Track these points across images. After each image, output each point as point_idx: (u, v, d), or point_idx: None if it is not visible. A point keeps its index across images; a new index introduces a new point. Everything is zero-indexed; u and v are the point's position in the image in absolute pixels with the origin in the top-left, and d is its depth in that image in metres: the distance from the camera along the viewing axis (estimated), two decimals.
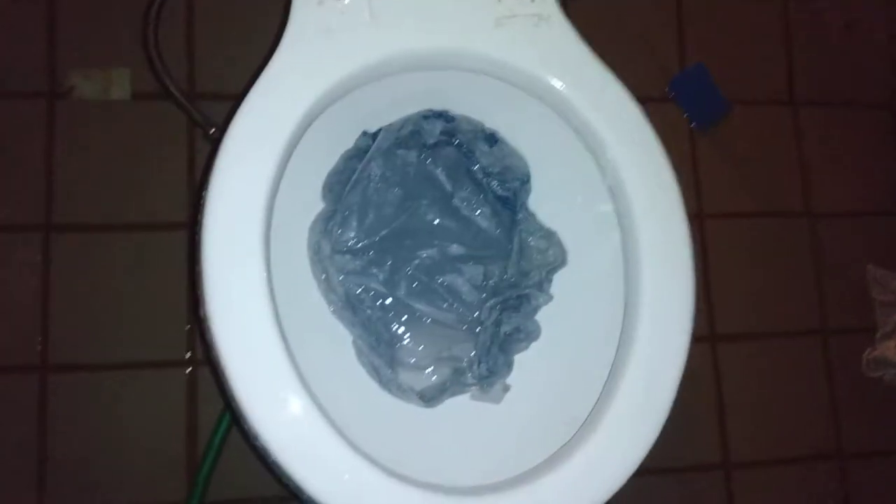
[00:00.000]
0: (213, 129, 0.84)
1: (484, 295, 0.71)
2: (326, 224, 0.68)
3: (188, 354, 0.89)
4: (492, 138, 0.70)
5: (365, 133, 0.71)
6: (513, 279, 0.70)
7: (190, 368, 0.89)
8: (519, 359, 0.68)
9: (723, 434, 1.00)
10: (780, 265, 1.05)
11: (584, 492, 0.53)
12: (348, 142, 0.71)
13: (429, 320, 0.70)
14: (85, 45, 0.93)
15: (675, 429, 0.95)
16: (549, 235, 0.71)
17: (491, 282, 0.71)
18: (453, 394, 0.67)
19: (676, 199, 0.60)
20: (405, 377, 0.66)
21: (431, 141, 0.70)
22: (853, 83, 1.12)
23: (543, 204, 0.72)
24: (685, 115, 1.05)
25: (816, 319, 1.05)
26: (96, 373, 0.87)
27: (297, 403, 0.49)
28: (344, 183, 0.69)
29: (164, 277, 0.90)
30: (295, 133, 0.54)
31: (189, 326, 0.90)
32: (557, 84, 0.60)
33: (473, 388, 0.67)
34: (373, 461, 0.50)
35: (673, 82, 1.05)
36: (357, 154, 0.70)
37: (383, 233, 0.70)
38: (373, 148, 0.67)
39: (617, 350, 0.58)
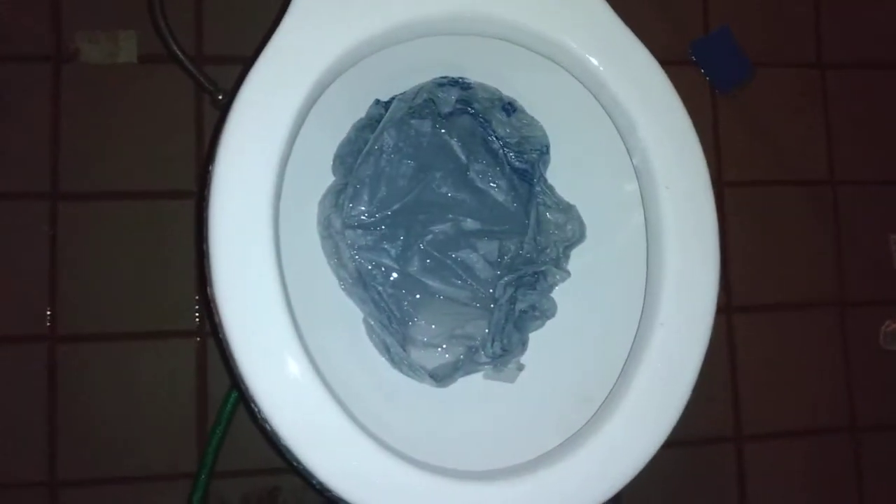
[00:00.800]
0: (220, 95, 0.82)
1: (499, 272, 0.69)
2: (337, 198, 0.66)
3: (197, 324, 0.89)
4: (510, 107, 0.68)
5: (377, 102, 0.68)
6: (529, 255, 0.68)
7: (199, 338, 0.89)
8: (533, 338, 0.67)
9: (736, 406, 0.99)
10: (799, 234, 1.03)
11: (600, 478, 0.52)
12: (361, 110, 0.69)
13: (442, 297, 0.68)
14: (91, 7, 0.91)
15: (688, 401, 0.96)
16: (568, 209, 0.69)
17: (506, 258, 0.69)
18: (466, 373, 0.65)
19: (705, 184, 0.58)
20: (417, 356, 0.65)
21: (447, 110, 0.68)
22: (885, 46, 1.08)
23: (563, 179, 0.70)
24: (707, 79, 1.02)
25: (835, 290, 1.03)
26: (105, 342, 0.87)
27: (305, 385, 0.48)
28: (355, 154, 0.67)
29: (173, 246, 0.90)
30: (307, 100, 0.52)
31: (198, 296, 0.89)
32: (586, 55, 0.57)
33: (487, 367, 0.66)
34: (382, 443, 0.49)
35: (695, 45, 1.02)
36: (369, 124, 0.68)
37: (396, 206, 0.68)
38: (385, 118, 0.65)
39: (636, 332, 0.56)
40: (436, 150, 0.69)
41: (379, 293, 0.66)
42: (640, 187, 0.59)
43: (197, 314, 0.89)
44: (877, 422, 1.02)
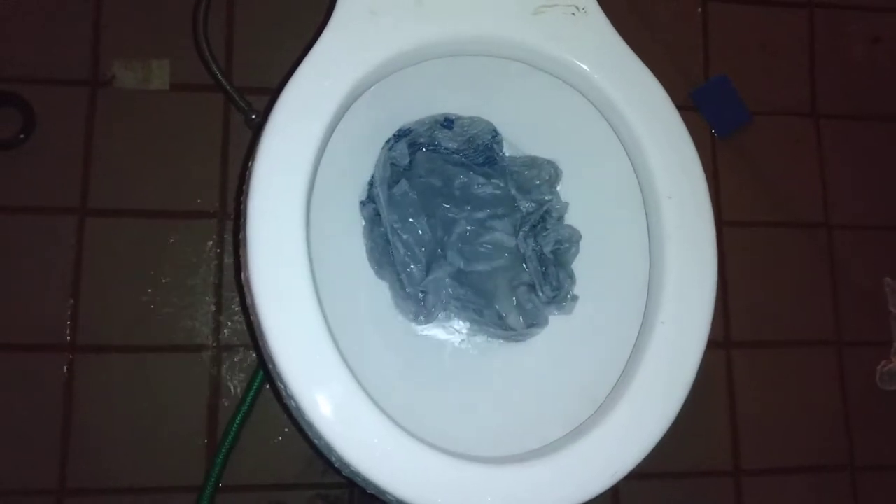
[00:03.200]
0: (254, 115, 0.87)
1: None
2: (404, 294, 0.73)
3: (212, 339, 0.92)
4: (447, 122, 0.74)
5: (363, 203, 0.75)
6: (530, 210, 0.75)
7: (213, 353, 0.91)
8: (543, 340, 0.70)
9: (734, 441, 1.00)
10: (796, 275, 1.06)
11: (603, 466, 0.54)
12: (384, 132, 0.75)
13: (495, 272, 0.75)
14: (128, 36, 0.96)
15: (687, 434, 0.97)
16: (532, 161, 0.76)
17: (519, 224, 0.76)
18: (541, 314, 0.73)
19: (703, 193, 0.62)
20: (514, 322, 0.72)
21: (406, 161, 0.74)
22: (876, 97, 1.13)
23: (568, 188, 0.74)
24: (707, 124, 1.07)
25: (831, 330, 1.05)
26: (122, 354, 0.90)
27: (334, 374, 0.51)
28: (384, 252, 0.74)
29: (193, 264, 0.93)
30: (340, 108, 0.57)
31: (214, 311, 0.92)
32: (588, 70, 0.62)
33: (550, 307, 0.73)
34: (404, 429, 0.51)
35: (696, 92, 1.07)
36: (373, 223, 0.74)
37: (437, 253, 0.75)
38: (381, 209, 0.71)
39: (640, 327, 0.59)
40: (424, 196, 0.76)
41: (474, 308, 0.74)
42: (643, 196, 0.63)
43: (212, 331, 0.92)
44: (874, 461, 1.03)
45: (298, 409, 0.51)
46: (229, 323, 0.92)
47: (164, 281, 0.92)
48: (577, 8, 0.62)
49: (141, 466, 0.88)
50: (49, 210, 0.91)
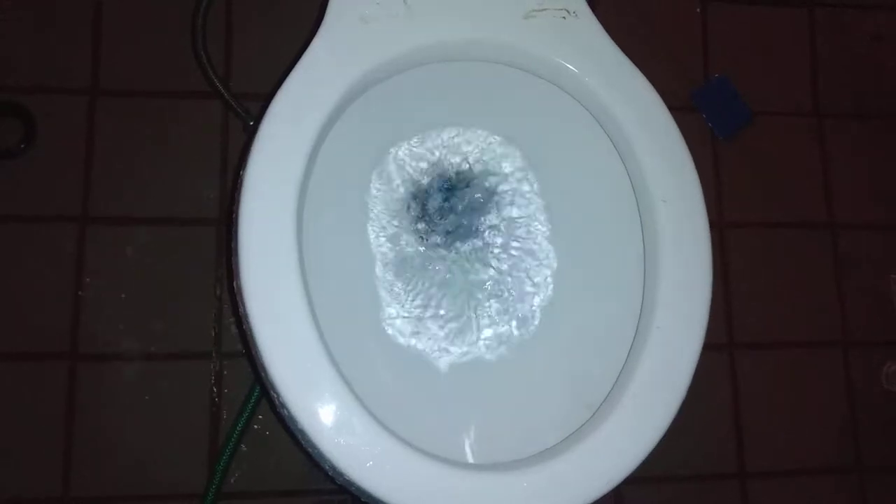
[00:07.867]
0: (251, 122, 0.87)
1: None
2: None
3: (214, 347, 0.92)
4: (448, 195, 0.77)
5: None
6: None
7: (215, 360, 0.91)
8: (538, 344, 0.70)
9: (739, 443, 1.00)
10: (801, 275, 1.05)
11: (597, 474, 0.53)
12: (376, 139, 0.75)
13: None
14: (127, 44, 0.96)
15: (692, 437, 0.97)
16: None
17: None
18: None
19: (698, 197, 0.61)
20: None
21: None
22: (879, 95, 1.12)
23: (564, 191, 0.74)
24: (708, 125, 1.06)
25: (837, 330, 1.04)
26: (124, 362, 0.90)
27: (327, 381, 0.51)
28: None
29: (194, 271, 0.93)
30: (331, 115, 0.57)
31: (215, 319, 0.92)
32: (580, 73, 0.62)
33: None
34: (398, 437, 0.51)
35: (696, 92, 1.07)
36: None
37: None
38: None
39: (636, 332, 0.59)
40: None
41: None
42: (637, 200, 0.62)
43: (214, 338, 0.92)
44: (882, 462, 1.02)
45: (291, 418, 0.50)
46: (230, 330, 0.92)
47: (164, 288, 0.92)
48: (568, 11, 0.62)
49: (143, 474, 0.88)
50: (50, 219, 0.92)
